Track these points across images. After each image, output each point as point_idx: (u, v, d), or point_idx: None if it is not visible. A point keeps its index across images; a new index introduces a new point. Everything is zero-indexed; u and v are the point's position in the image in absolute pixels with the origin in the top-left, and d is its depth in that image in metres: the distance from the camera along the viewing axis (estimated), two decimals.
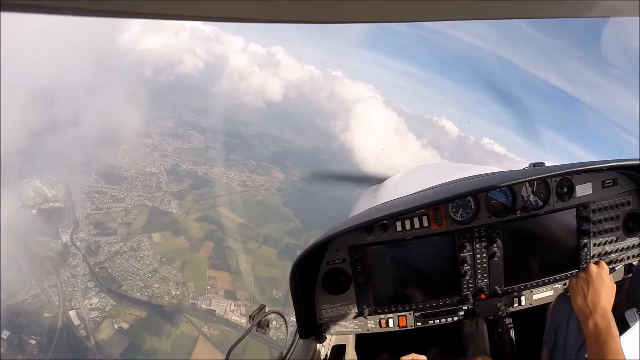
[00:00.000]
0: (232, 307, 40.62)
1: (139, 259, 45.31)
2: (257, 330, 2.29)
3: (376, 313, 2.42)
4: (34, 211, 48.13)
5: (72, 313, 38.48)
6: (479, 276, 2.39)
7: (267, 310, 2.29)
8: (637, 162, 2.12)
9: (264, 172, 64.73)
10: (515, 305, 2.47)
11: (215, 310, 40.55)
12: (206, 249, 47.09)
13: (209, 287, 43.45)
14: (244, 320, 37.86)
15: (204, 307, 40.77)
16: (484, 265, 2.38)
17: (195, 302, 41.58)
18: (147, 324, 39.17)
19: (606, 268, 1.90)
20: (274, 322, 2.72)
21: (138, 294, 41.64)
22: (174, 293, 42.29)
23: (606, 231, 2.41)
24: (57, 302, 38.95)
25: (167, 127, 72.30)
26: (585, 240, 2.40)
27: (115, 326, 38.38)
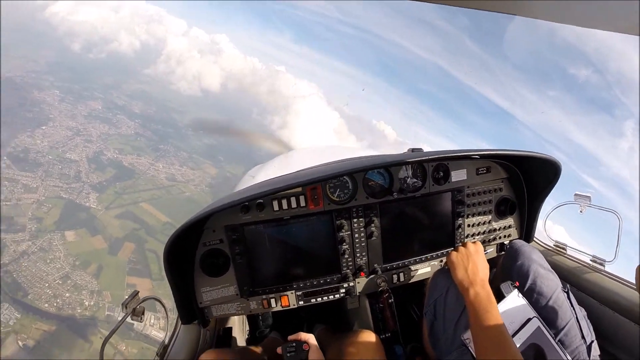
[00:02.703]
0: (152, 321, 36.59)
1: (48, 261, 41.29)
2: (132, 319, 2.08)
3: (257, 294, 2.40)
4: None
5: None
6: (358, 255, 2.47)
7: (141, 297, 2.08)
8: (507, 152, 2.25)
9: (195, 166, 61.42)
10: (395, 281, 2.57)
11: (133, 324, 35.49)
12: (126, 251, 43.08)
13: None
14: (162, 335, 35.13)
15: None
16: (363, 244, 2.46)
17: (112, 314, 38.34)
18: (56, 340, 35.93)
19: (481, 246, 2.08)
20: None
21: (46, 305, 37.97)
22: (87, 303, 38.75)
23: (479, 213, 2.59)
24: None
25: (95, 110, 67.50)
26: (460, 221, 2.56)
27: (20, 343, 34.98)
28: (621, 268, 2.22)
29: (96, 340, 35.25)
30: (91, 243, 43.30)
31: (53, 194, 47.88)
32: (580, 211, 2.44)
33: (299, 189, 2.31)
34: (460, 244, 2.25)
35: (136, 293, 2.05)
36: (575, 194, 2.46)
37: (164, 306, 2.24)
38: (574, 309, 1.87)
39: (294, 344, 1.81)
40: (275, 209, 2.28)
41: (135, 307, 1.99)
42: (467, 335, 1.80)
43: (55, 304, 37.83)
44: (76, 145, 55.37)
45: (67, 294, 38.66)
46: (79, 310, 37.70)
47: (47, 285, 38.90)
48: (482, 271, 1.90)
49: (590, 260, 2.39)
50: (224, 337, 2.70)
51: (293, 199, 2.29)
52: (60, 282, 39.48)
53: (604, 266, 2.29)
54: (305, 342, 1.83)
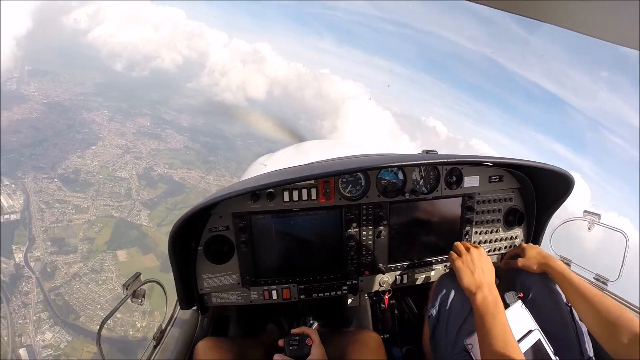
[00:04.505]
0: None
1: (100, 282, 40.22)
2: (132, 301, 2.07)
3: (259, 284, 2.37)
4: None
5: (22, 351, 33.71)
6: (364, 253, 2.42)
7: (142, 279, 2.06)
8: (520, 162, 2.21)
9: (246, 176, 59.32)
10: (398, 282, 2.53)
11: None
12: None
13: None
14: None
15: None
16: (370, 243, 2.42)
17: None
18: None
19: (484, 250, 2.05)
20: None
21: (98, 327, 35.58)
22: (139, 325, 36.80)
23: (488, 222, 2.57)
24: (5, 338, 34.06)
25: (144, 126, 68.51)
26: (468, 228, 2.55)
27: None
28: (624, 289, 2.23)
29: None
30: (143, 262, 42.18)
31: (104, 213, 47.57)
32: (589, 228, 2.41)
33: (312, 182, 2.26)
34: (462, 245, 2.19)
35: (138, 275, 1.99)
36: (585, 211, 2.42)
37: (164, 290, 2.17)
38: (575, 324, 1.85)
39: (297, 338, 1.77)
40: (285, 200, 2.22)
41: (135, 289, 1.93)
42: (470, 341, 1.77)
43: (106, 326, 35.65)
44: (126, 162, 55.61)
45: (118, 315, 36.44)
46: (130, 332, 35.96)
47: (99, 307, 37.57)
48: (489, 275, 1.88)
49: (594, 278, 2.35)
50: (222, 326, 2.67)
51: (304, 191, 2.24)
52: (113, 303, 38.45)
53: (606, 285, 2.25)
54: (309, 336, 1.79)
